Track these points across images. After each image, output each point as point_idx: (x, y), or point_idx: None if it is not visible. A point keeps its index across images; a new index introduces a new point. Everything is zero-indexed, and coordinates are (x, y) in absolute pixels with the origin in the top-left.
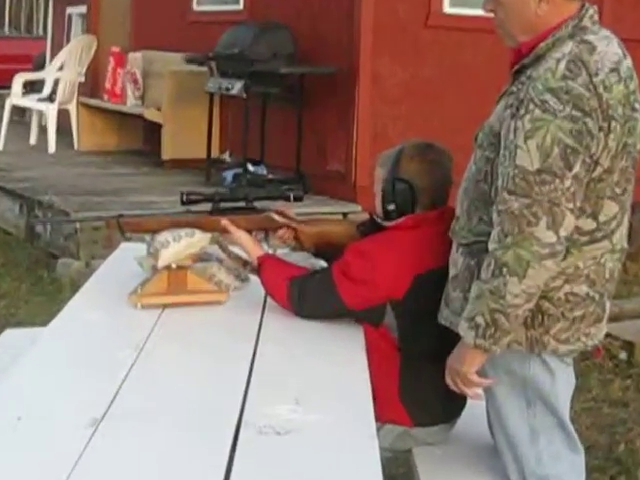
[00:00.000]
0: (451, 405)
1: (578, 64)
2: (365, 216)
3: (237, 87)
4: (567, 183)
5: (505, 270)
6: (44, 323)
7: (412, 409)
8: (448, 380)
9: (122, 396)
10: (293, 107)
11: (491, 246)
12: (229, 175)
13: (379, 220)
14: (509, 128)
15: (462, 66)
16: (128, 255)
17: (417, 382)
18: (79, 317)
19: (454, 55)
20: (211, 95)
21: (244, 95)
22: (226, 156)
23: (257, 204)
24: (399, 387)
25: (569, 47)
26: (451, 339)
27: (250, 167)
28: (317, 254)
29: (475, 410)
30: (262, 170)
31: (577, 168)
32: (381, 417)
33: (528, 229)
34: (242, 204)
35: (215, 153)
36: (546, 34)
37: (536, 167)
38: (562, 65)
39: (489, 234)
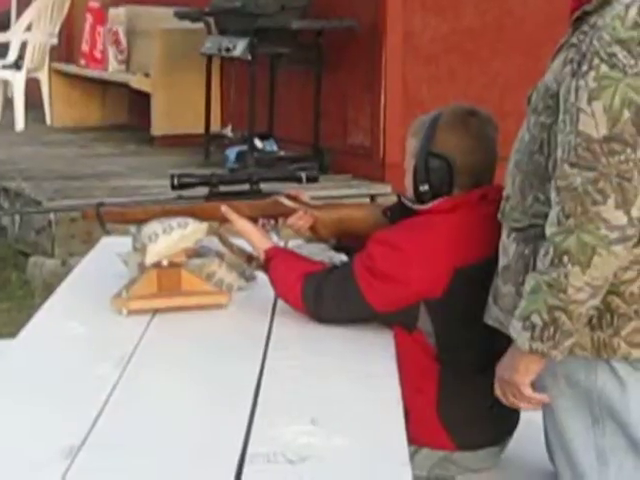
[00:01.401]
0: (501, 424)
1: None
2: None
3: (240, 47)
4: None
5: (566, 259)
6: (12, 335)
7: (453, 429)
8: (498, 392)
9: (103, 421)
10: (308, 70)
11: (549, 230)
12: (232, 153)
13: (409, 204)
14: (569, 88)
15: (510, 15)
16: (110, 251)
17: (459, 397)
18: (53, 326)
19: (501, 3)
20: (209, 58)
21: (249, 57)
22: (228, 131)
23: (263, 187)
24: (437, 403)
25: None
26: (501, 344)
27: (257, 143)
28: (337, 246)
29: (530, 429)
30: (272, 146)
31: None
32: (416, 440)
33: (594, 209)
34: (245, 187)
35: (215, 127)
36: None
37: (603, 134)
38: (633, 11)
39: (547, 216)
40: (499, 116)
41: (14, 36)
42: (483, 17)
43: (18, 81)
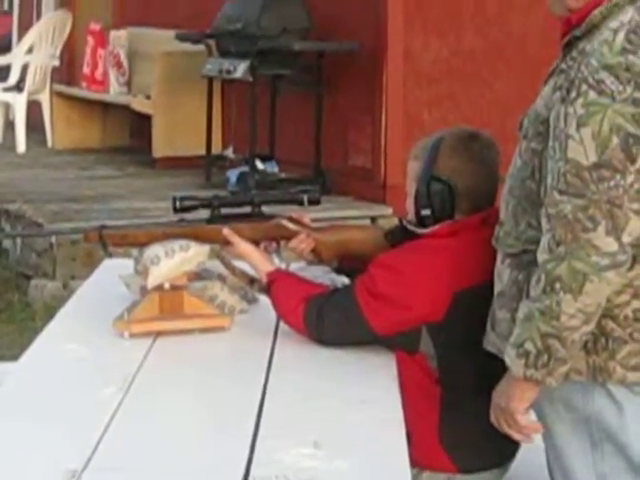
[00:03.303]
0: (503, 447)
1: None
2: (395, 220)
3: (241, 69)
4: (630, 179)
5: (558, 286)
6: (14, 357)
7: (455, 453)
8: (493, 420)
9: (105, 445)
10: (309, 91)
11: (540, 257)
12: (233, 175)
13: (410, 227)
14: (559, 114)
15: (511, 37)
16: (112, 274)
17: (461, 420)
18: (55, 349)
19: (501, 24)
20: (210, 80)
21: (250, 78)
22: (229, 152)
23: (265, 209)
24: (439, 426)
25: (629, 15)
26: (502, 368)
27: (259, 164)
28: (339, 268)
29: (532, 452)
30: (273, 168)
31: None
32: (418, 462)
33: (584, 236)
34: (247, 210)
35: (216, 149)
36: None
37: (592, 161)
38: (621, 36)
39: (540, 242)
40: (500, 138)
41: (15, 58)
42: (484, 39)
43: (19, 103)
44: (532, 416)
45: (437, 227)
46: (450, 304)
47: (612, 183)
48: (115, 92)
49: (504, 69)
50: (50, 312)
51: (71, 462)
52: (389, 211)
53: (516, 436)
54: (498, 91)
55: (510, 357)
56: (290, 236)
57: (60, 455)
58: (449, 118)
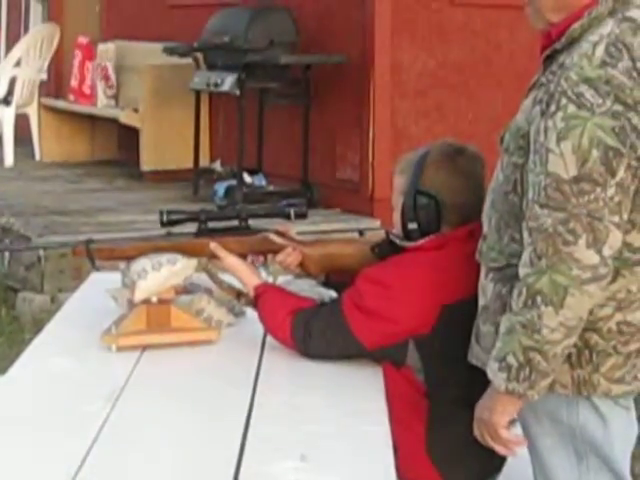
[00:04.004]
0: (489, 459)
1: (619, 47)
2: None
3: (228, 82)
4: (610, 192)
5: (539, 299)
6: (2, 370)
7: (442, 465)
8: (476, 433)
9: (93, 458)
10: (296, 105)
11: (522, 271)
12: (221, 188)
13: (397, 241)
14: (539, 128)
15: (498, 50)
16: (100, 287)
17: (447, 433)
18: (42, 362)
19: (488, 38)
20: (197, 93)
21: (237, 92)
22: (217, 165)
23: (252, 223)
24: (426, 439)
25: (608, 27)
26: (487, 382)
27: (247, 178)
28: (326, 282)
29: (519, 464)
30: (261, 181)
31: (621, 173)
32: (405, 475)
33: (565, 249)
34: (234, 223)
35: (204, 162)
36: (581, 12)
37: (572, 174)
38: (600, 49)
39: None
40: (487, 150)
41: (3, 71)
42: (471, 52)
43: (7, 117)
44: (517, 429)
45: (423, 241)
46: (437, 317)
47: (592, 196)
48: (103, 105)
49: (491, 82)
50: (38, 325)
51: (58, 475)
52: (377, 224)
53: (499, 449)
54: (485, 103)
55: (492, 370)
56: (277, 250)
57: (47, 468)
58: (436, 130)
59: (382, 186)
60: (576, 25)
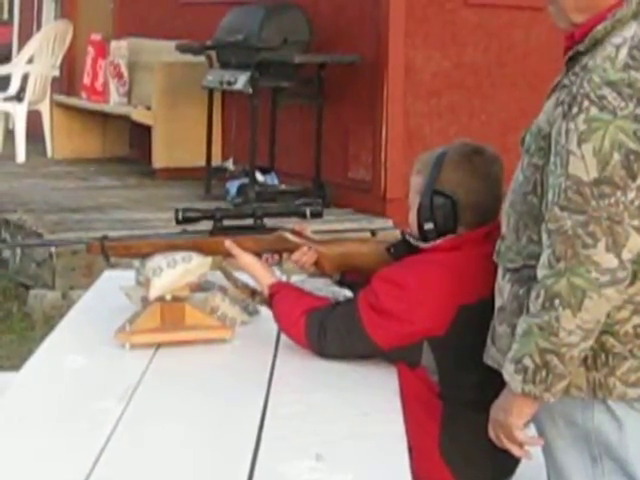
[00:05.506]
0: (503, 461)
1: None
2: (397, 233)
3: (241, 81)
4: (631, 195)
5: (557, 302)
6: (14, 367)
7: (456, 466)
8: (491, 434)
9: (106, 458)
10: (310, 104)
11: (540, 273)
12: (233, 187)
13: (413, 241)
14: (560, 130)
15: (512, 51)
16: (113, 285)
17: (462, 434)
18: (55, 360)
19: (502, 38)
20: (210, 91)
21: (250, 90)
22: (229, 164)
23: (267, 221)
24: (440, 440)
25: (632, 30)
26: (502, 383)
27: (259, 176)
28: (341, 281)
29: (532, 467)
30: (273, 180)
31: None
32: (419, 476)
33: (584, 252)
34: (249, 222)
35: (216, 160)
36: (605, 13)
37: (593, 177)
38: (624, 52)
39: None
40: (501, 151)
41: (16, 68)
42: (485, 53)
43: (19, 113)
44: (531, 431)
45: (440, 241)
46: (453, 319)
47: (613, 199)
48: (115, 102)
49: (504, 83)
50: (49, 322)
51: (72, 473)
52: (389, 224)
53: (514, 451)
54: (498, 104)
55: (508, 372)
56: (292, 249)
57: (62, 465)
58: (450, 131)
59: (394, 186)
60: (600, 27)
